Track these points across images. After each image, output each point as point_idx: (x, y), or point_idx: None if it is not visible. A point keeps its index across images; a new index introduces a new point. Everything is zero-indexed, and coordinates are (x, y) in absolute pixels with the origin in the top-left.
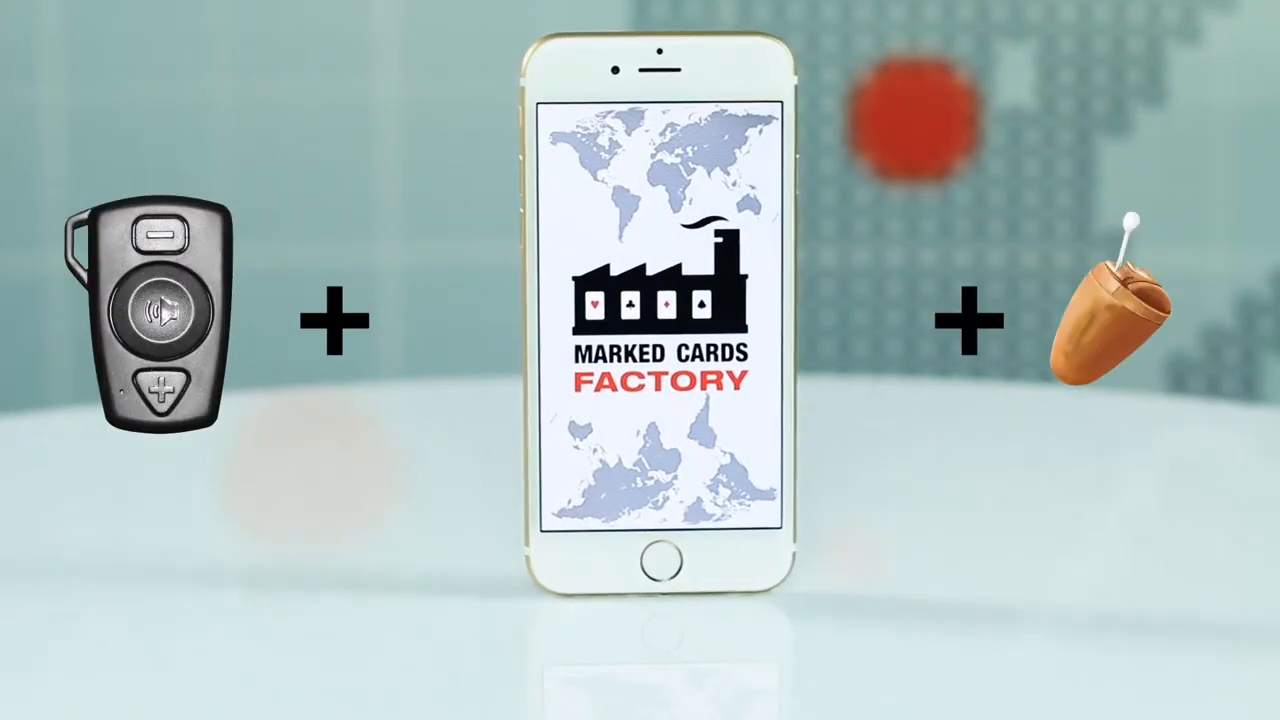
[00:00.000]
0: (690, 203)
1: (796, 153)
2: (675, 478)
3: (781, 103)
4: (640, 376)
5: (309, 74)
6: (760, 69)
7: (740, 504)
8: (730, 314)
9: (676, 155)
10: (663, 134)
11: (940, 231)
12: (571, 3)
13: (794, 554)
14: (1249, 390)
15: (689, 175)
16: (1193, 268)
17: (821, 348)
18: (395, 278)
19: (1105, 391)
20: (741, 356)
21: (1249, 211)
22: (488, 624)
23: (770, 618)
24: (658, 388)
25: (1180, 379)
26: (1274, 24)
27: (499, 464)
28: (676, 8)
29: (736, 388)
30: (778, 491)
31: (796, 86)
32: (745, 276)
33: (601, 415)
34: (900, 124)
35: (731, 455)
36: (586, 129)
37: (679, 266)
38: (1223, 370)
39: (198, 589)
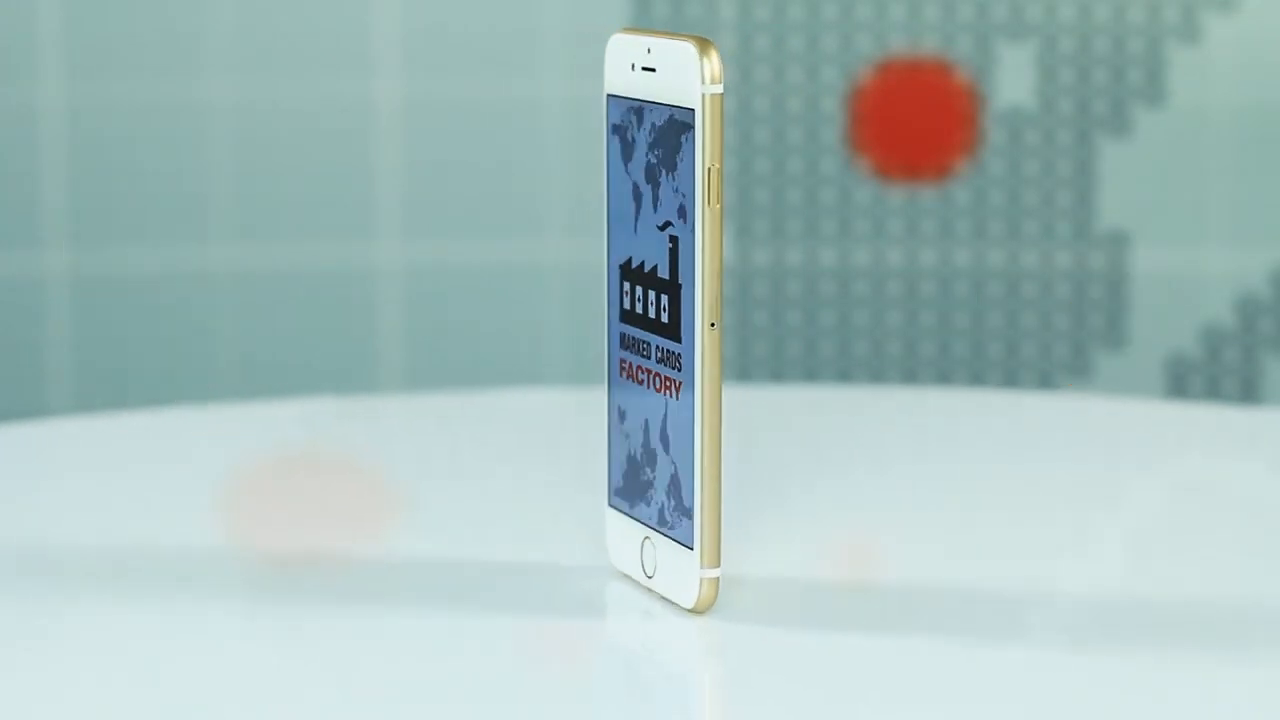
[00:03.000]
0: (660, 204)
1: (716, 162)
2: (654, 478)
3: (693, 110)
4: (644, 371)
5: (309, 74)
6: (685, 73)
7: (680, 517)
8: (674, 322)
9: (655, 155)
10: (650, 133)
11: (940, 231)
12: (572, 3)
13: (708, 579)
14: (1249, 390)
15: (660, 176)
16: (1193, 268)
17: (821, 348)
18: (395, 278)
19: (1105, 392)
20: (678, 368)
21: (1249, 211)
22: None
23: (738, 625)
24: (648, 385)
25: (1180, 379)
26: (1274, 24)
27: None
28: (677, 8)
29: (676, 398)
30: (695, 512)
31: (713, 95)
32: (679, 286)
33: (628, 403)
34: (900, 124)
35: (675, 466)
36: (622, 122)
37: (656, 267)
38: (1223, 370)
39: (195, 590)
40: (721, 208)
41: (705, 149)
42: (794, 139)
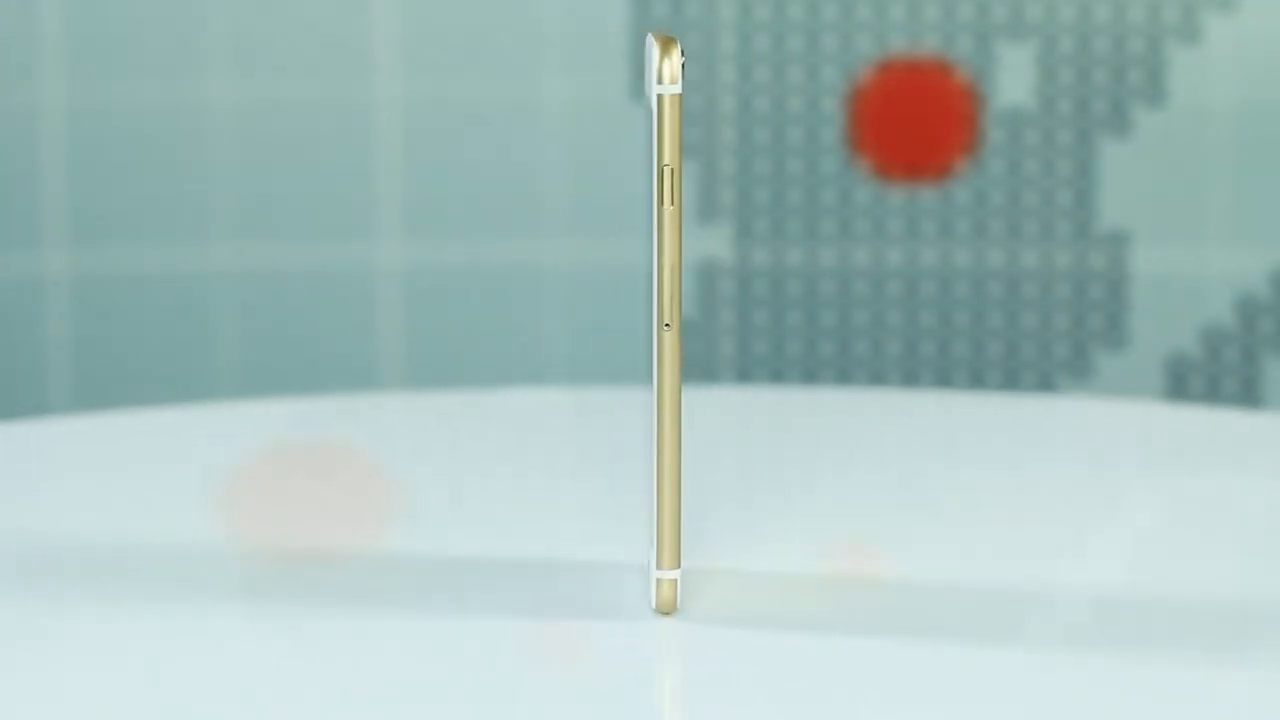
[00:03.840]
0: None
1: (673, 162)
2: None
3: (650, 108)
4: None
5: (309, 74)
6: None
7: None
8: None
9: (655, 153)
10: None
11: (940, 231)
12: (572, 3)
13: (666, 581)
14: (1249, 391)
15: (655, 175)
16: (1193, 268)
17: (821, 348)
18: (395, 278)
19: (1105, 393)
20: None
21: (1249, 211)
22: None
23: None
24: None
25: (1180, 379)
26: (1274, 24)
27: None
28: (676, 7)
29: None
30: (652, 514)
31: (671, 95)
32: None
33: (652, 402)
34: (900, 124)
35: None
36: (649, 122)
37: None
38: (1222, 371)
39: (195, 590)
40: (679, 208)
41: (661, 148)
42: (794, 139)
